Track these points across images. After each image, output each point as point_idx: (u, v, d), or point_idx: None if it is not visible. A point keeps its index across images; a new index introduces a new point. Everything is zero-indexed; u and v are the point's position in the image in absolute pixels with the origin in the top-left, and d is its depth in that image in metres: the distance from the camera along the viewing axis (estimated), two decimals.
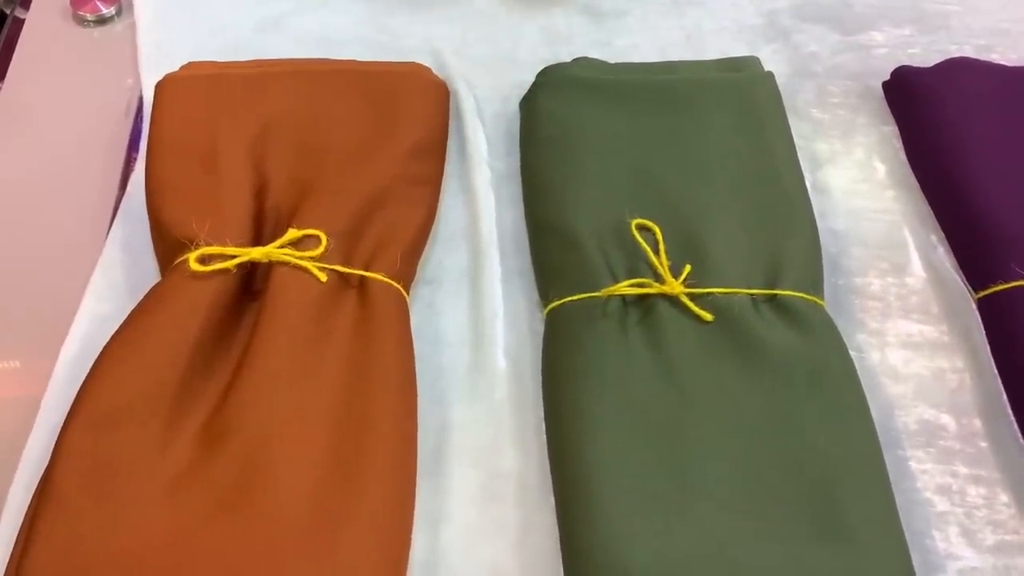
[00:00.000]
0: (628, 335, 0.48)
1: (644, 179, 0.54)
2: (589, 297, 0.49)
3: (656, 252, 0.49)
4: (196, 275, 0.47)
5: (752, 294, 0.49)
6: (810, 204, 0.54)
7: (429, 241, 0.54)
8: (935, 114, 0.59)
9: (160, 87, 0.56)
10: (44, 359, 0.49)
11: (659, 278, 0.49)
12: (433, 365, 0.50)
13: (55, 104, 0.62)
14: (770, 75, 0.60)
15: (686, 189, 0.54)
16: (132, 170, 0.57)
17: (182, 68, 0.57)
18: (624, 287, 0.48)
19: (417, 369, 0.48)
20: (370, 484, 0.42)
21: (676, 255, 0.50)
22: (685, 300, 0.48)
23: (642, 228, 0.50)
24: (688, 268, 0.49)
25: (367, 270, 0.49)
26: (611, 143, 0.56)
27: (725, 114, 0.57)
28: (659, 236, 0.50)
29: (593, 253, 0.50)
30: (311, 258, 0.48)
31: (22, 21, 0.66)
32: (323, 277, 0.48)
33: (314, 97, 0.56)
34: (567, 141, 0.55)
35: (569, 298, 0.49)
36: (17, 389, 0.49)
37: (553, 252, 0.52)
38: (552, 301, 0.50)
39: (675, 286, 0.48)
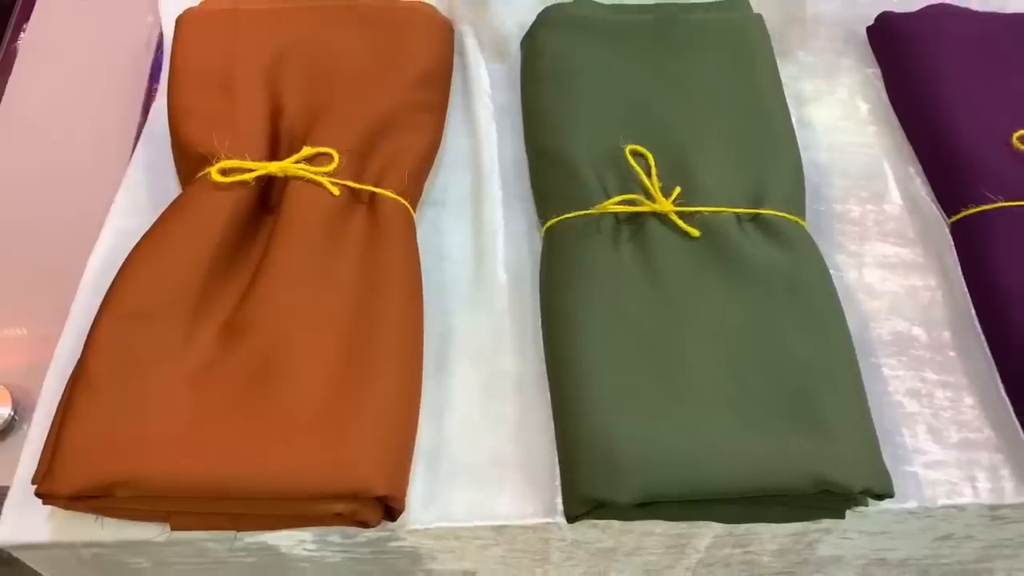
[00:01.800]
0: (620, 249, 0.51)
1: (638, 110, 0.57)
2: (584, 215, 0.52)
3: (648, 175, 0.53)
4: (218, 186, 0.50)
5: (737, 213, 0.52)
6: (794, 134, 0.57)
7: (435, 166, 0.58)
8: (915, 55, 0.62)
9: (180, 20, 0.59)
10: (75, 271, 0.52)
11: (651, 197, 0.52)
12: (438, 278, 0.53)
13: (79, 41, 0.65)
14: (759, 16, 0.63)
15: (678, 119, 0.57)
16: (153, 100, 0.61)
17: (200, 3, 0.60)
18: (615, 203, 0.52)
19: (423, 281, 0.51)
20: (379, 377, 0.46)
21: (667, 179, 0.53)
22: (674, 217, 0.52)
23: (636, 154, 0.54)
24: (678, 189, 0.53)
25: (377, 186, 0.52)
26: (607, 77, 0.59)
27: (716, 51, 0.60)
28: (651, 161, 0.53)
29: (588, 175, 0.53)
30: (324, 173, 0.51)
31: None
32: (336, 191, 0.51)
33: (325, 30, 0.59)
34: (565, 75, 0.59)
35: (565, 216, 0.53)
36: (48, 298, 0.52)
37: (550, 175, 0.55)
38: (549, 219, 0.53)
39: (665, 204, 0.52)
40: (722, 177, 0.54)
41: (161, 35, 0.64)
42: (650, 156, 0.54)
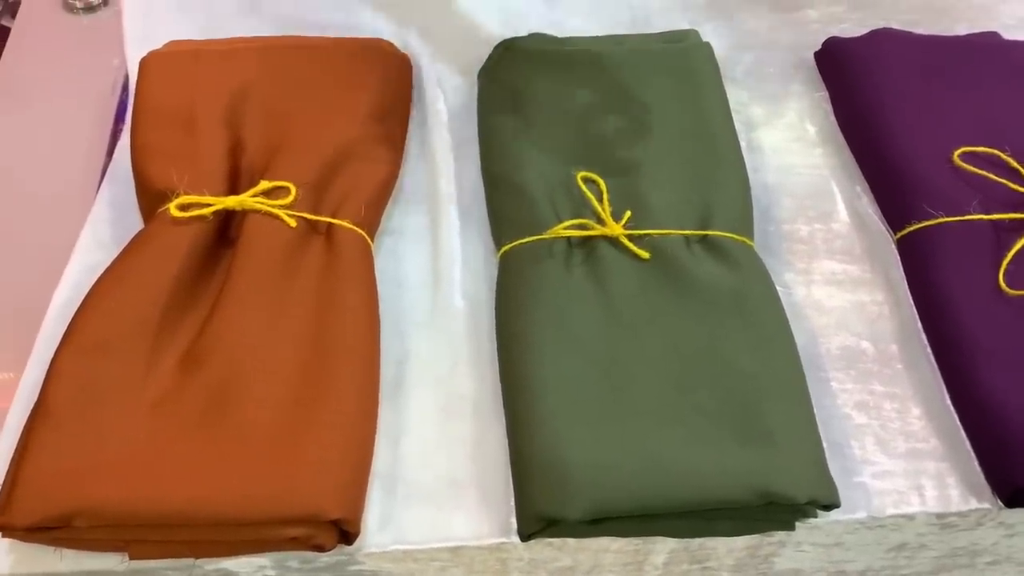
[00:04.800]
0: (572, 272, 0.53)
1: (591, 138, 0.59)
2: (537, 240, 0.54)
3: (600, 201, 0.54)
4: (176, 221, 0.51)
5: (685, 235, 0.54)
6: (741, 158, 0.59)
7: (393, 197, 0.59)
8: (860, 79, 0.64)
9: (144, 62, 0.61)
10: (40, 306, 0.53)
11: (602, 222, 0.54)
12: (396, 304, 0.54)
13: (48, 83, 0.67)
14: (707, 45, 0.65)
15: (628, 146, 0.59)
16: (119, 139, 0.62)
17: (165, 46, 0.62)
18: (566, 227, 0.53)
19: (381, 308, 0.53)
20: (334, 402, 0.47)
21: (619, 204, 0.55)
22: (624, 240, 0.53)
23: (588, 180, 0.55)
24: (628, 214, 0.54)
25: (334, 217, 0.54)
26: (560, 106, 0.60)
27: (665, 79, 0.62)
28: (603, 187, 0.55)
29: (541, 201, 0.55)
30: (281, 206, 0.52)
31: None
32: (292, 223, 0.52)
33: (285, 68, 0.60)
34: (519, 104, 0.60)
35: (519, 241, 0.54)
36: (14, 326, 0.53)
37: (505, 202, 0.57)
38: (504, 245, 0.55)
39: (615, 228, 0.53)
40: (671, 201, 0.56)
41: (127, 77, 0.66)
42: (601, 182, 0.55)
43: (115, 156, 0.61)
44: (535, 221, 0.54)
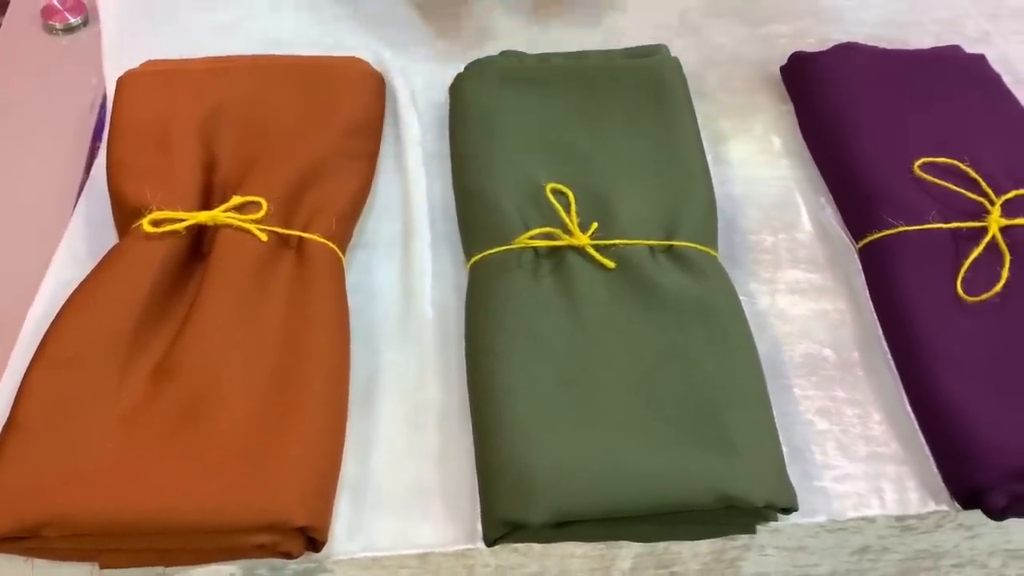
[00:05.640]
0: (540, 282, 0.54)
1: (559, 150, 0.60)
2: (505, 250, 0.55)
3: (568, 212, 0.55)
4: (149, 236, 0.52)
5: (651, 245, 0.55)
6: (707, 170, 0.60)
7: (365, 211, 0.60)
8: (824, 91, 0.66)
9: (121, 81, 0.62)
10: (15, 321, 0.54)
11: (569, 232, 0.55)
12: (367, 316, 0.55)
13: (27, 101, 0.68)
14: (675, 60, 0.67)
15: (596, 158, 0.60)
16: (96, 157, 0.63)
17: (141, 65, 0.63)
18: (533, 236, 0.54)
19: (352, 320, 0.54)
20: (303, 412, 0.47)
21: (586, 215, 0.56)
22: (591, 250, 0.54)
23: (556, 192, 0.56)
24: (595, 225, 0.55)
25: (305, 231, 0.55)
26: (529, 120, 0.62)
27: (632, 93, 0.63)
28: (571, 198, 0.56)
29: (510, 212, 0.56)
30: (253, 221, 0.53)
31: None
32: (264, 237, 0.53)
33: (260, 86, 0.62)
34: (489, 118, 0.62)
35: (488, 252, 0.55)
36: None
37: (475, 213, 0.58)
38: (473, 255, 0.56)
39: (582, 238, 0.54)
40: (637, 212, 0.57)
41: (105, 96, 0.67)
42: (570, 193, 0.56)
43: (92, 173, 0.62)
44: (503, 232, 0.55)
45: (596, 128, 0.62)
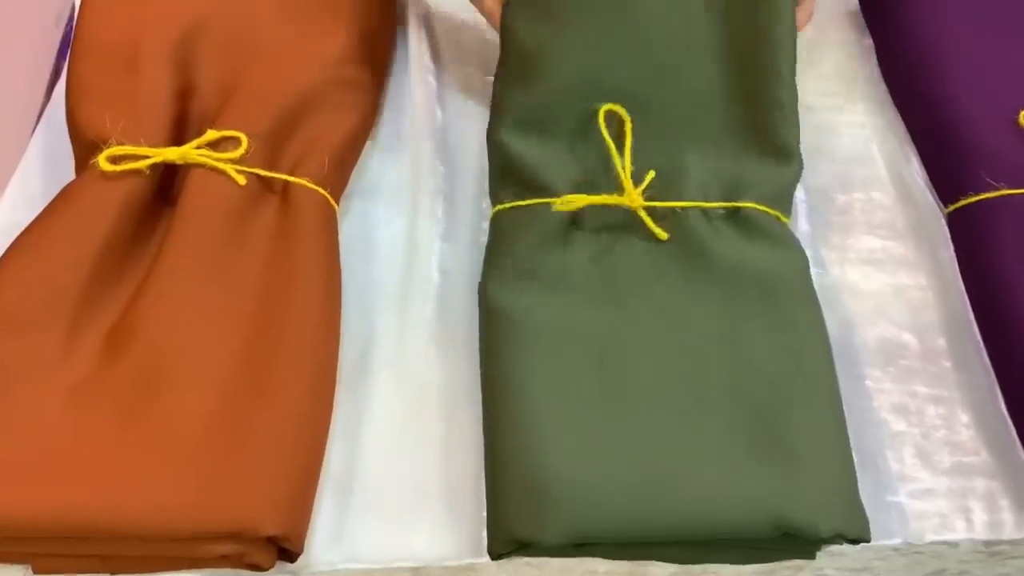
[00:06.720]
0: (573, 247, 0.45)
1: (627, 50, 0.49)
2: (539, 203, 0.46)
3: (621, 150, 0.46)
4: (107, 176, 0.44)
5: (709, 208, 0.46)
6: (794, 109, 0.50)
7: (366, 150, 0.52)
8: (911, 21, 0.56)
9: None
10: None
11: (617, 187, 0.45)
12: (363, 279, 0.48)
13: None
14: None
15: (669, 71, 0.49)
16: (60, 78, 0.55)
17: None
18: (575, 193, 0.45)
19: (346, 282, 0.46)
20: (280, 394, 0.40)
21: (642, 157, 0.46)
22: (643, 215, 0.45)
23: (610, 117, 0.46)
24: (651, 175, 0.46)
25: (291, 175, 0.46)
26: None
27: None
28: (627, 126, 0.46)
29: (551, 150, 0.47)
30: (229, 160, 0.45)
31: None
32: (241, 180, 0.45)
33: None
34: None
35: (518, 203, 0.46)
36: None
37: (509, 145, 0.48)
38: (501, 203, 0.47)
39: (635, 198, 0.45)
40: (700, 162, 0.47)
41: (74, 7, 0.58)
42: (627, 118, 0.46)
43: (54, 96, 0.54)
44: (540, 178, 0.46)
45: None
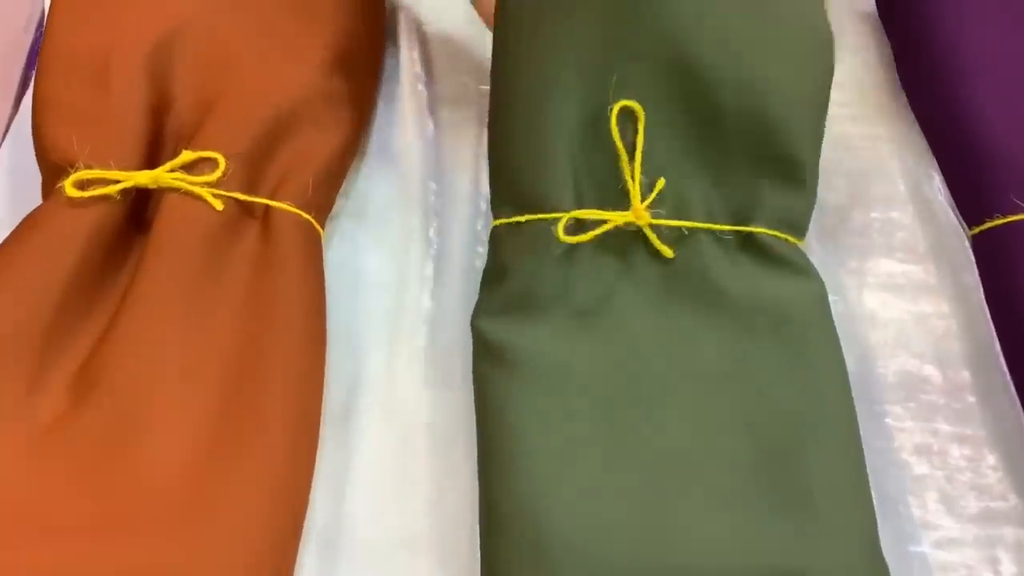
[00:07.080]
0: (575, 271, 0.42)
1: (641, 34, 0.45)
2: (539, 219, 0.43)
3: (631, 159, 0.42)
4: (74, 202, 0.41)
5: (718, 230, 0.43)
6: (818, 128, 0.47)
7: (352, 169, 0.49)
8: (934, 25, 0.52)
9: None
10: None
11: (621, 203, 0.42)
12: (351, 309, 0.45)
13: None
14: None
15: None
16: (28, 89, 0.51)
17: None
18: (580, 213, 0.42)
19: (332, 314, 0.43)
20: (260, 444, 0.37)
21: (653, 158, 0.42)
22: (648, 232, 0.42)
23: (624, 115, 0.42)
24: (662, 182, 0.42)
25: (272, 198, 0.43)
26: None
27: None
28: (640, 123, 0.42)
29: (559, 160, 0.43)
30: (206, 183, 0.42)
31: None
32: (219, 205, 0.42)
33: (224, 4, 0.49)
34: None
35: (517, 218, 0.43)
36: None
37: (512, 148, 0.44)
38: (500, 218, 0.44)
39: (642, 215, 0.42)
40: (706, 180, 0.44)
41: (44, 12, 0.55)
42: (641, 113, 0.42)
43: (22, 109, 0.51)
44: (543, 191, 0.42)
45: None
